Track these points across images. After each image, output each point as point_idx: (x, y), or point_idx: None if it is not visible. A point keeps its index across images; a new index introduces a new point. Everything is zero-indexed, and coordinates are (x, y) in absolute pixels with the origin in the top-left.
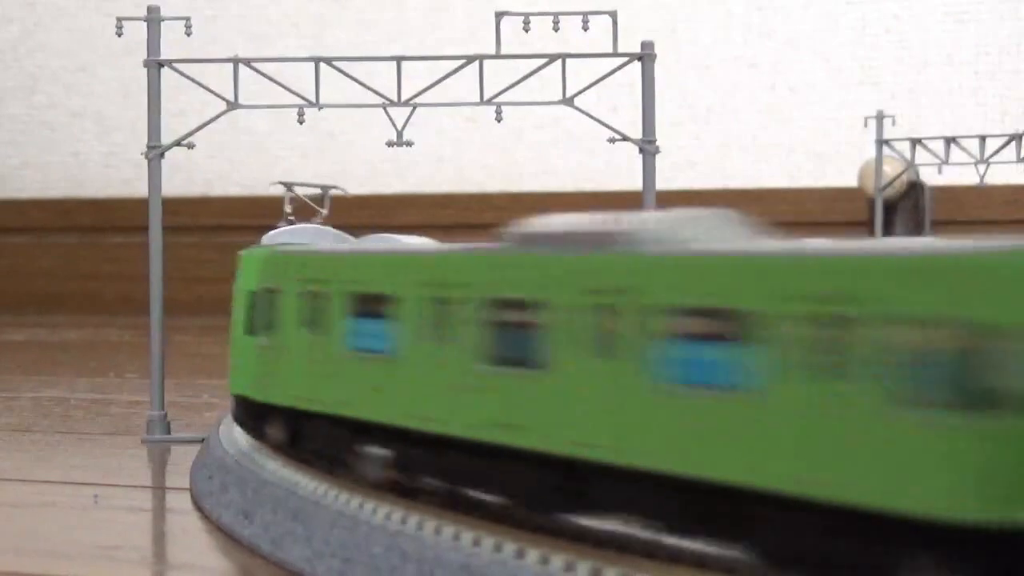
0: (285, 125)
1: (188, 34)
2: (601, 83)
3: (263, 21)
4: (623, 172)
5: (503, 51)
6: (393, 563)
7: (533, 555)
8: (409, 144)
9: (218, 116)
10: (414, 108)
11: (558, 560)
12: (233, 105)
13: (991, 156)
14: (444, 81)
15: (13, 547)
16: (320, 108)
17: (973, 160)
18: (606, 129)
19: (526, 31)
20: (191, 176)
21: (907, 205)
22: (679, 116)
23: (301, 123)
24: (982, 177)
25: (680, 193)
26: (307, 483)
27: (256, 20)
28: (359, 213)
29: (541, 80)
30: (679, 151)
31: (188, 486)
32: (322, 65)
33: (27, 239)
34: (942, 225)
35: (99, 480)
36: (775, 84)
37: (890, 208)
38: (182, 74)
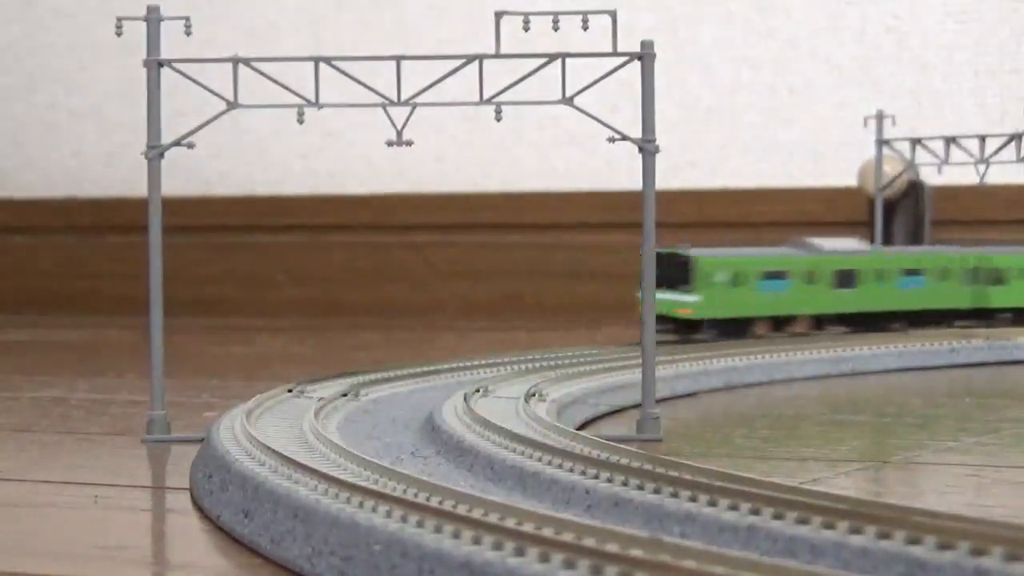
0: (285, 125)
1: (188, 34)
2: (601, 83)
3: (263, 21)
4: (623, 172)
5: (503, 51)
6: (393, 561)
7: (533, 553)
8: (409, 144)
9: (218, 116)
10: (414, 108)
11: (558, 559)
12: (233, 105)
13: (991, 156)
14: (444, 81)
15: (13, 547)
16: (320, 108)
17: (973, 160)
18: (606, 129)
19: (526, 31)
20: (191, 176)
21: (907, 205)
22: (679, 116)
23: (301, 123)
24: (982, 177)
25: (680, 193)
26: (307, 482)
27: (256, 20)
28: (359, 213)
29: (541, 80)
30: (679, 151)
31: (188, 486)
32: (322, 65)
33: (27, 239)
34: (942, 225)
35: (99, 480)
36: (775, 84)
37: (890, 208)
38: (182, 74)
